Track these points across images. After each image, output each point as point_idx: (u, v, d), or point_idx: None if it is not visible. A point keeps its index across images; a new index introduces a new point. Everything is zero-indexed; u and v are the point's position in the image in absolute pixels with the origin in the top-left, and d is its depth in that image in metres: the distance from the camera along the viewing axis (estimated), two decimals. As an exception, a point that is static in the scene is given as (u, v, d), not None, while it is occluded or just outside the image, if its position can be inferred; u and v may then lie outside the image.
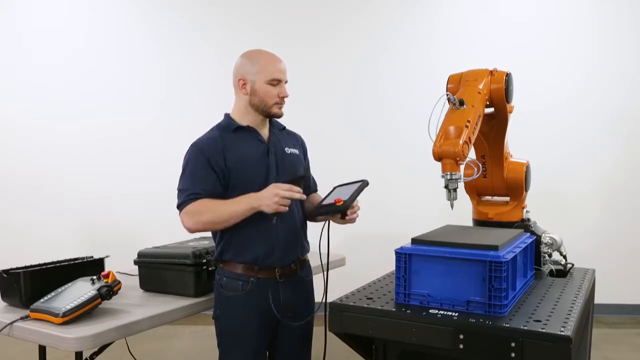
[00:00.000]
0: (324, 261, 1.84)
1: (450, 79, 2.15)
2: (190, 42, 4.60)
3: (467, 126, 1.80)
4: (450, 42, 4.42)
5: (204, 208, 1.78)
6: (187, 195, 1.80)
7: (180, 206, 1.82)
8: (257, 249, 1.84)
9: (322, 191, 2.03)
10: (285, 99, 1.92)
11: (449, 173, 1.78)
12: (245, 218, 1.78)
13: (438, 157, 1.80)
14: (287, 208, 1.73)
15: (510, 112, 2.15)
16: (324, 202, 1.86)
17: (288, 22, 4.54)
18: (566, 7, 4.35)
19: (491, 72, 2.08)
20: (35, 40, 4.66)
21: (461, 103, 1.86)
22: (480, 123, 1.93)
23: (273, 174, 1.87)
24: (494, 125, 2.16)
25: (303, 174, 1.77)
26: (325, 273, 1.86)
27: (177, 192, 1.85)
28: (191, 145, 1.88)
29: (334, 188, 1.92)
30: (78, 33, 4.65)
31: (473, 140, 1.86)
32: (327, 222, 1.84)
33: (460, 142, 1.75)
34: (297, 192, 1.72)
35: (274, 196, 1.69)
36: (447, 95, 1.91)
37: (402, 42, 4.49)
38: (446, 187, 1.82)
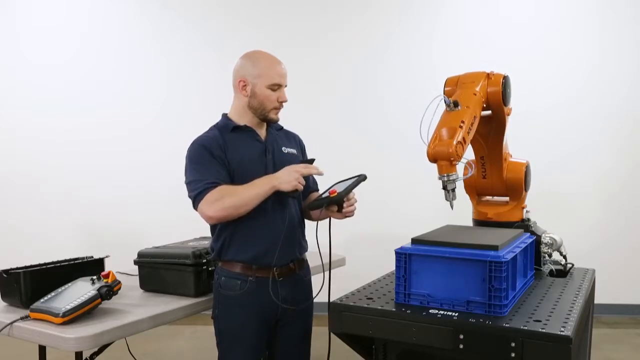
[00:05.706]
0: (327, 259, 1.83)
1: (448, 82, 2.13)
2: (190, 42, 4.61)
3: (461, 127, 1.80)
4: (450, 42, 4.43)
5: (225, 193, 1.75)
6: (205, 184, 1.77)
7: (198, 196, 1.78)
8: (255, 247, 1.84)
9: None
10: (284, 104, 1.92)
11: (445, 175, 1.79)
12: (243, 217, 1.79)
13: (432, 158, 1.80)
14: (302, 187, 1.78)
15: (508, 115, 2.13)
16: (319, 196, 1.87)
17: (288, 22, 4.55)
18: (566, 7, 4.35)
19: (488, 75, 2.06)
20: (35, 40, 4.66)
21: (455, 104, 1.86)
22: (477, 124, 1.92)
23: (270, 173, 1.85)
24: (492, 128, 2.15)
25: (310, 159, 1.86)
26: (328, 272, 1.86)
27: (186, 186, 1.83)
28: (191, 143, 1.87)
29: (333, 184, 1.92)
30: (78, 33, 4.66)
31: (468, 141, 1.85)
32: (329, 220, 1.85)
33: (454, 142, 1.75)
34: (314, 169, 1.79)
35: (294, 172, 1.74)
36: (442, 97, 1.90)
37: (402, 42, 4.50)
38: (444, 188, 1.83)
